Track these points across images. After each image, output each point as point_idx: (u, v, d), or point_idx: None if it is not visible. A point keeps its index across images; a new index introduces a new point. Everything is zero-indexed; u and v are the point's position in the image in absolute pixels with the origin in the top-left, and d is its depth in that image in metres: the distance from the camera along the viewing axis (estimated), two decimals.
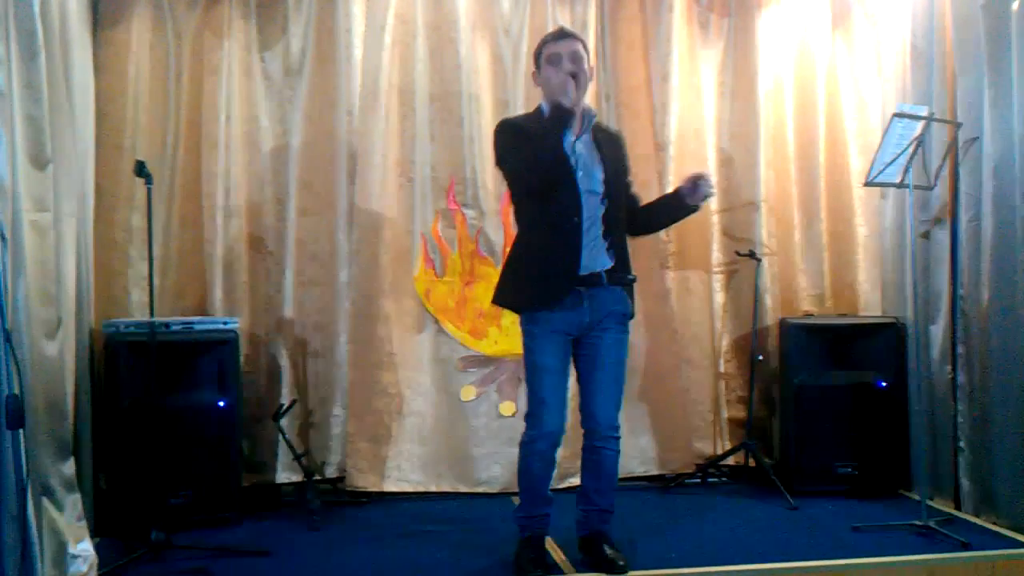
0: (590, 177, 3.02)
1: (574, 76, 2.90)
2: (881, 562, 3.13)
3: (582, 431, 3.12)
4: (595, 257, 3.01)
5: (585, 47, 3.09)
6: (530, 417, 3.05)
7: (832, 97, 4.50)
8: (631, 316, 3.15)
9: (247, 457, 3.95)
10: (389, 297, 4.13)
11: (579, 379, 3.12)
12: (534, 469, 3.06)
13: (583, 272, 2.98)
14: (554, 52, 3.03)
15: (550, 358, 3.01)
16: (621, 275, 3.07)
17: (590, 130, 3.09)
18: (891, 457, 4.07)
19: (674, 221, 3.34)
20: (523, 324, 3.09)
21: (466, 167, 4.19)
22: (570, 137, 3.00)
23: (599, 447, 3.07)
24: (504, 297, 3.16)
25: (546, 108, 3.06)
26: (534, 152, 2.94)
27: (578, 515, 3.20)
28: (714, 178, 4.43)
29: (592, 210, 3.01)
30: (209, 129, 4.01)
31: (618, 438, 3.09)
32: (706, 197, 3.10)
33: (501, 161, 3.09)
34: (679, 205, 3.14)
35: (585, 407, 3.09)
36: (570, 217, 2.97)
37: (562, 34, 3.10)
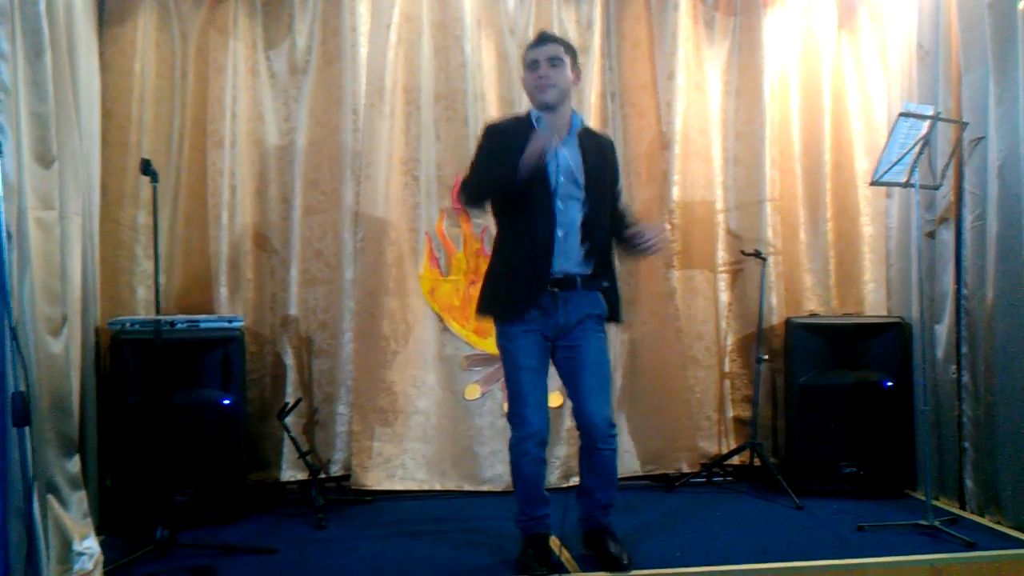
0: (571, 182, 3.03)
1: (542, 87, 2.96)
2: (886, 562, 3.13)
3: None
4: (571, 262, 3.02)
5: (568, 49, 3.09)
6: (514, 417, 3.06)
7: (838, 96, 4.49)
8: (613, 318, 3.16)
9: (252, 455, 3.96)
10: (394, 295, 4.14)
11: (567, 384, 3.14)
12: (526, 471, 3.06)
13: (556, 275, 2.99)
14: (532, 58, 3.06)
15: (527, 357, 3.03)
16: (597, 281, 3.08)
17: (576, 134, 3.09)
18: (896, 457, 4.07)
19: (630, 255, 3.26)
20: (498, 325, 3.11)
21: None
22: (553, 142, 2.99)
23: (598, 447, 3.07)
24: (483, 307, 3.17)
25: (534, 115, 3.08)
26: (501, 180, 2.93)
27: (580, 512, 3.21)
28: (720, 177, 4.48)
29: (571, 215, 3.02)
30: (214, 127, 4.02)
31: (614, 435, 3.10)
32: (653, 250, 3.08)
33: (472, 168, 3.12)
34: (631, 247, 3.12)
35: (578, 410, 3.10)
36: (544, 228, 2.98)
37: (541, 39, 3.11)
